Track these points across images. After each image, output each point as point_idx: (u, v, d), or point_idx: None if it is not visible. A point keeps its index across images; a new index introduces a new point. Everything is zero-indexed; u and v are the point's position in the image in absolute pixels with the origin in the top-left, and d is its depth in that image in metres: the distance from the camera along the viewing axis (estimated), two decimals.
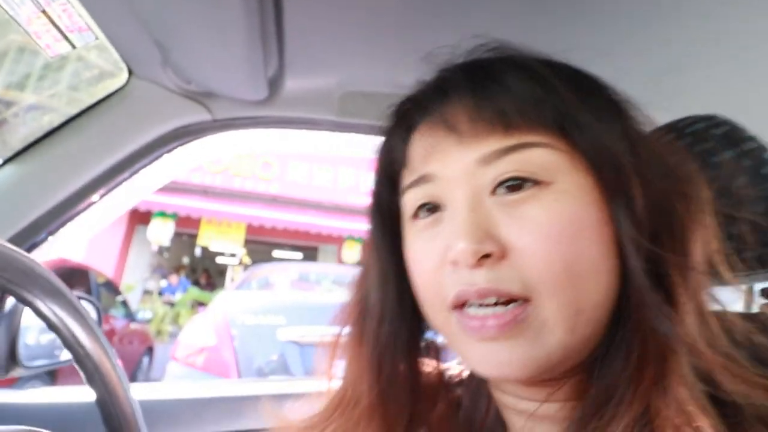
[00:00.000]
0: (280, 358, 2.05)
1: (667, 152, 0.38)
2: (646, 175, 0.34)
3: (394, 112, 0.43)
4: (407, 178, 0.39)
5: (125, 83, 0.74)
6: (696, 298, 0.32)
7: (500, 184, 0.34)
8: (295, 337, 2.07)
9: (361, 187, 9.50)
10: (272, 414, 0.46)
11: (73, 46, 0.64)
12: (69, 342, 0.53)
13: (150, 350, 6.16)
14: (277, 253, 11.80)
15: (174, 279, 9.41)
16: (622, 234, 0.33)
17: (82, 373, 0.55)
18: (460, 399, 0.47)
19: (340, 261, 9.57)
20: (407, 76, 0.82)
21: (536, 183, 0.33)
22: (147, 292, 8.96)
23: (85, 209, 0.78)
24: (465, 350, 0.36)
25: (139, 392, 0.84)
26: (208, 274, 10.90)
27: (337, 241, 9.43)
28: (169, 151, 0.82)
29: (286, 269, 3.98)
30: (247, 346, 2.05)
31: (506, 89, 0.35)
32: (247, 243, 9.38)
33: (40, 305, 0.49)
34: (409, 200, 0.38)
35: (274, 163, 9.06)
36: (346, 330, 0.45)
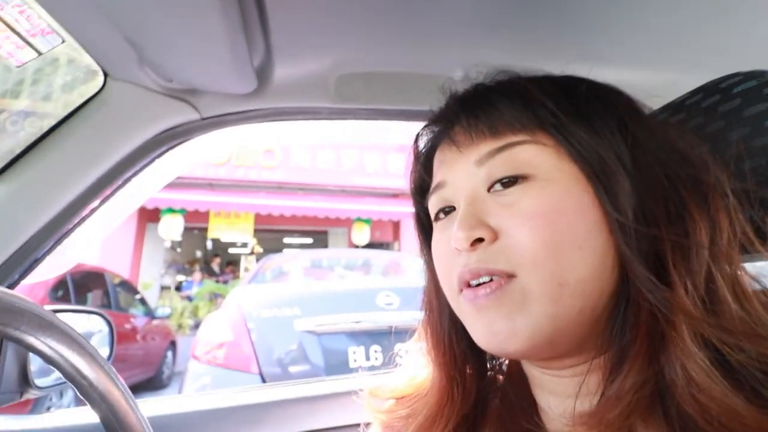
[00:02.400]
0: (299, 348, 2.04)
1: (676, 137, 0.41)
2: (641, 162, 0.38)
3: (415, 141, 0.52)
4: (432, 184, 0.47)
5: (102, 87, 0.68)
6: (697, 274, 0.34)
7: (495, 182, 0.40)
8: (311, 326, 2.05)
9: (366, 168, 9.43)
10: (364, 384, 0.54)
11: (39, 52, 0.58)
12: (70, 375, 0.50)
13: (173, 344, 6.30)
14: (287, 239, 11.86)
15: (197, 276, 9.54)
16: (609, 215, 0.37)
17: (89, 404, 0.52)
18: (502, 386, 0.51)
19: (350, 242, 9.58)
20: (406, 52, 0.75)
21: (525, 177, 0.39)
22: (164, 288, 9.09)
23: (76, 225, 0.73)
24: (470, 326, 0.41)
25: (153, 407, 0.82)
26: (230, 265, 10.97)
27: (346, 223, 9.41)
28: (160, 155, 0.77)
29: (298, 257, 3.97)
30: (265, 339, 2.05)
31: (495, 108, 0.42)
32: (257, 232, 9.41)
33: (32, 341, 0.46)
34: (431, 205, 0.47)
35: (276, 151, 8.99)
36: (422, 318, 0.52)
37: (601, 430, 0.34)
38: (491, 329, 0.37)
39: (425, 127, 0.51)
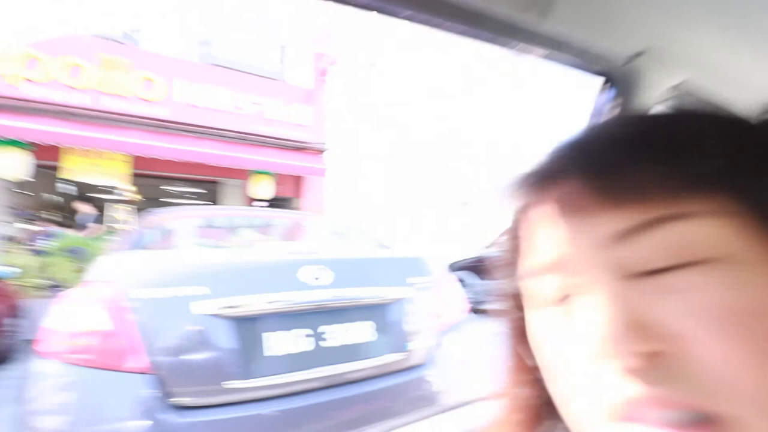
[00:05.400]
0: (201, 337, 1.63)
1: None
2: None
3: (516, 191, 0.37)
4: (529, 260, 0.34)
5: None
6: None
7: (651, 271, 0.28)
8: (216, 309, 1.65)
9: (266, 114, 8.64)
10: None
11: None
12: None
13: (13, 309, 5.15)
14: (167, 188, 10.54)
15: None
16: None
17: None
18: None
19: (246, 197, 8.82)
20: None
21: (695, 263, 0.27)
22: (10, 240, 7.32)
23: None
24: None
25: None
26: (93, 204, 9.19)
27: (242, 174, 8.58)
28: None
29: (187, 214, 3.36)
30: (153, 326, 1.59)
31: (637, 165, 0.29)
32: (130, 177, 8.07)
33: None
34: (541, 288, 0.33)
35: (157, 81, 7.69)
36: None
37: None
38: None
39: (523, 180, 0.37)
